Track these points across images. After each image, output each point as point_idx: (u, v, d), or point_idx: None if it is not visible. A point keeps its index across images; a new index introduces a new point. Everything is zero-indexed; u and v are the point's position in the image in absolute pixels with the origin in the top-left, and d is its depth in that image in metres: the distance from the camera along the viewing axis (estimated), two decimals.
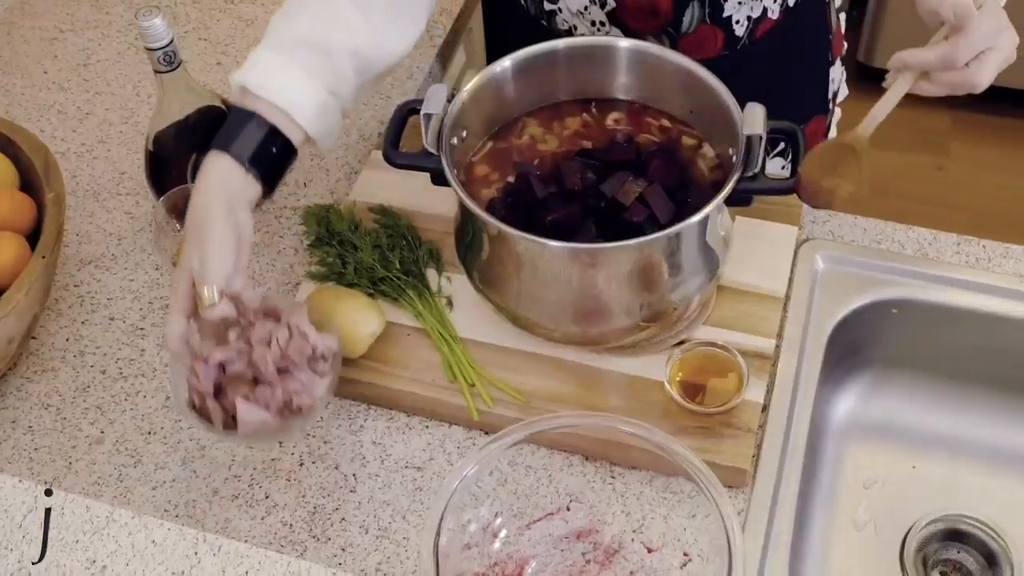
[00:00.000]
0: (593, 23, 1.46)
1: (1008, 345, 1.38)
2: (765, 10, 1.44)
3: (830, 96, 1.64)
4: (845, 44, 1.68)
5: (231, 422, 1.13)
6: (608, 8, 1.42)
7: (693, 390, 1.23)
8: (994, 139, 3.00)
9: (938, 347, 1.41)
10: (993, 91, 2.73)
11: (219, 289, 1.12)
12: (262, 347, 1.13)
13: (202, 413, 1.14)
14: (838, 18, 1.63)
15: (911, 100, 1.22)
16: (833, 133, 1.72)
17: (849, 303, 1.37)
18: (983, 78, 1.17)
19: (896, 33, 2.89)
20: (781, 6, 1.45)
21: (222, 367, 1.13)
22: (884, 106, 1.18)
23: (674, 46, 1.42)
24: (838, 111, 1.73)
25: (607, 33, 1.46)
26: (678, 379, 1.23)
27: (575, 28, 1.49)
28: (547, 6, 1.49)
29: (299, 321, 1.16)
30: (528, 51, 1.29)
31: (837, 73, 1.64)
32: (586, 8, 1.44)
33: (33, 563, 1.22)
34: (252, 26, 1.77)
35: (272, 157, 1.18)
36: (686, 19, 1.41)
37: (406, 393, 1.27)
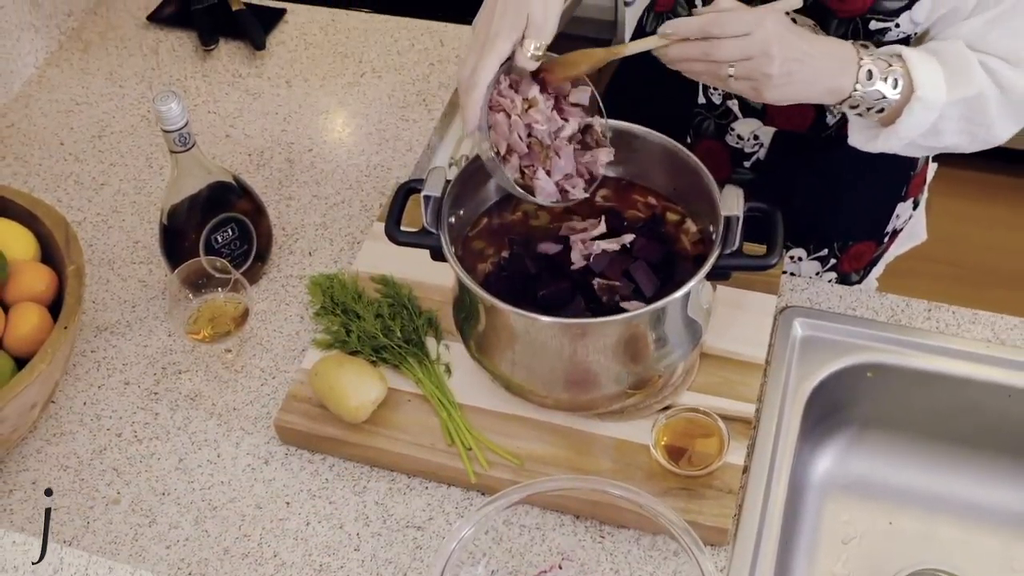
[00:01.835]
0: None
1: (977, 406, 1.45)
2: None
3: (889, 229, 1.68)
4: (927, 192, 1.72)
5: (520, 178, 1.25)
6: None
7: (677, 453, 1.30)
8: (973, 194, 3.10)
9: (912, 408, 1.49)
10: None
11: (545, 43, 1.20)
12: (571, 127, 1.27)
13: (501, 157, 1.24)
14: (927, 163, 1.68)
15: None
16: (880, 269, 1.78)
17: (826, 367, 1.44)
18: (721, 51, 1.20)
19: None
20: None
21: (529, 126, 1.23)
22: (639, 44, 1.26)
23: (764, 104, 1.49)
24: (892, 251, 1.77)
25: None
26: (663, 443, 1.30)
27: None
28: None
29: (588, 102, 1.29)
30: None
31: (905, 211, 1.68)
32: None
33: (33, 563, 1.29)
34: (259, 99, 1.86)
35: None
36: None
37: (407, 456, 1.34)
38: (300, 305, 1.55)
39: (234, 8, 2.00)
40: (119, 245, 1.65)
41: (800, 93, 1.26)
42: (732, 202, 1.24)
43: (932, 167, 1.71)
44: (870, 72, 1.26)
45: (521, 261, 1.31)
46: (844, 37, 1.37)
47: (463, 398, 1.38)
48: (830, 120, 1.50)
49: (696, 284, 1.23)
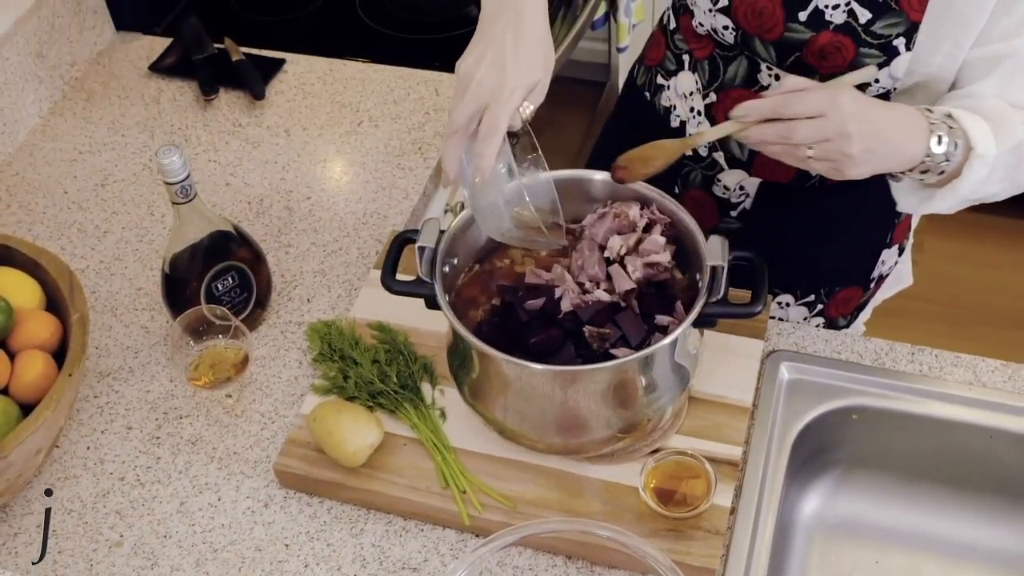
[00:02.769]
0: (692, 109, 1.57)
1: (960, 447, 1.49)
2: None
3: (875, 275, 1.72)
4: (912, 239, 1.76)
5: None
6: (708, 101, 1.54)
7: (666, 495, 1.33)
8: (966, 234, 3.15)
9: (896, 449, 1.52)
10: None
11: (536, 107, 1.25)
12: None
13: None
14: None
15: None
16: (867, 314, 1.82)
17: (812, 410, 1.47)
18: (797, 133, 1.23)
19: None
20: None
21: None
22: (716, 131, 1.31)
23: (752, 154, 1.54)
24: (879, 296, 1.81)
25: (699, 123, 1.56)
26: (652, 486, 1.33)
27: (674, 108, 1.60)
28: (659, 80, 1.61)
29: None
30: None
31: (891, 258, 1.72)
32: (690, 94, 1.56)
33: (33, 563, 1.33)
34: (258, 148, 1.90)
35: None
36: None
37: (403, 499, 1.37)
38: (299, 351, 1.58)
39: (234, 58, 2.05)
40: (122, 292, 1.69)
41: (879, 167, 1.29)
42: (716, 252, 1.28)
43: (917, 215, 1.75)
44: (940, 137, 1.28)
45: (512, 309, 1.34)
46: None
47: (457, 442, 1.41)
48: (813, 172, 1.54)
49: (683, 331, 1.26)
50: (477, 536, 1.37)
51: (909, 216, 1.70)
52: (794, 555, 1.51)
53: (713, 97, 1.53)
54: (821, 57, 1.37)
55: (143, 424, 1.52)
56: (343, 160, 1.87)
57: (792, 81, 1.27)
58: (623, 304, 1.34)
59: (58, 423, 1.40)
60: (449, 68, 2.01)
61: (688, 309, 1.29)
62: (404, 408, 1.43)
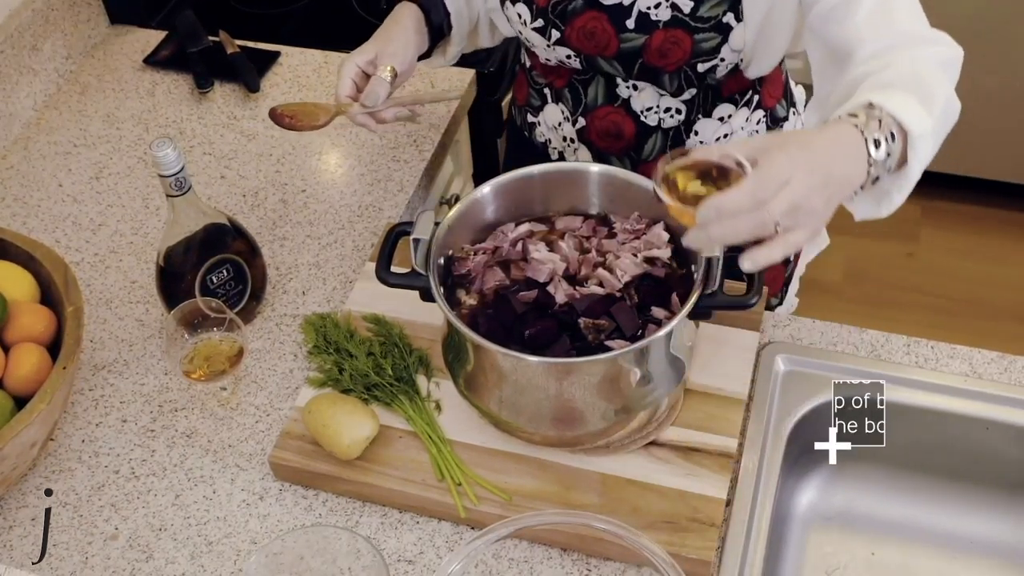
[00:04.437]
0: (565, 139, 1.60)
1: (956, 439, 1.49)
2: None
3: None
4: None
5: None
6: (579, 126, 1.56)
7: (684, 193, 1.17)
8: (962, 227, 3.14)
9: (893, 441, 1.51)
10: (961, 181, 2.83)
11: (395, 68, 1.50)
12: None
13: None
14: None
15: None
16: (795, 285, 1.83)
17: (808, 402, 1.47)
18: (774, 210, 1.08)
19: None
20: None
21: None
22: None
23: (635, 168, 1.55)
24: (801, 266, 1.82)
25: (576, 150, 1.59)
26: (666, 178, 1.17)
27: (550, 141, 1.63)
28: (530, 119, 1.63)
29: None
30: (506, 177, 1.41)
31: None
32: (559, 124, 1.58)
33: (33, 563, 1.33)
34: (253, 141, 1.89)
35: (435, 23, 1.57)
36: (647, 147, 1.54)
37: (398, 492, 1.37)
38: (294, 344, 1.58)
39: (229, 51, 2.04)
40: (116, 285, 1.68)
41: (835, 203, 1.16)
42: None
43: None
44: (877, 142, 1.16)
45: (507, 301, 1.34)
46: (679, 88, 1.47)
47: (453, 434, 1.41)
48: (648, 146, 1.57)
49: (678, 323, 1.26)
50: (473, 528, 1.37)
51: None
52: (790, 547, 1.51)
53: (582, 122, 1.58)
54: (662, 56, 1.42)
55: (138, 417, 1.52)
56: (338, 153, 1.87)
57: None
58: (619, 296, 1.34)
59: (53, 416, 1.40)
60: None
61: (683, 301, 1.29)
62: (399, 401, 1.43)
